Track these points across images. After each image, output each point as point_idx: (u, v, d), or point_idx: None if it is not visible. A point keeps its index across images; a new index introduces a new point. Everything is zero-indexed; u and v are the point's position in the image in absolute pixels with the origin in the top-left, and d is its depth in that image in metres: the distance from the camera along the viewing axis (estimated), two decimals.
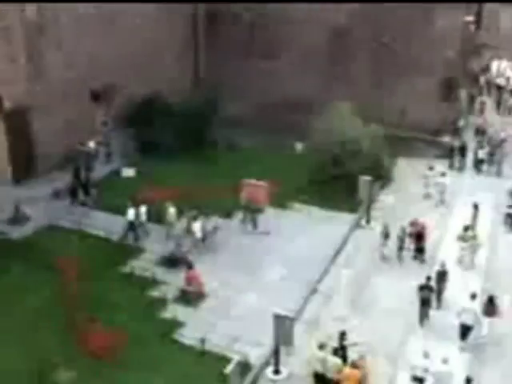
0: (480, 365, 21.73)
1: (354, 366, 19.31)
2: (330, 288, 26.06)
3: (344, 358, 20.33)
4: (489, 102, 50.87)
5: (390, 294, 25.44)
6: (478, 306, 23.31)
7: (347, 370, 19.29)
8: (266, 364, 21.38)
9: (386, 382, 20.59)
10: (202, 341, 21.76)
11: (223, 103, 38.38)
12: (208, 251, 27.84)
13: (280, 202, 31.40)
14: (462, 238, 28.08)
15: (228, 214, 31.04)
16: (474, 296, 23.10)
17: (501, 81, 54.50)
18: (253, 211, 29.92)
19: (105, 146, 36.50)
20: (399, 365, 21.41)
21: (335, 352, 20.41)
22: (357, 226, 31.16)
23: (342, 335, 20.94)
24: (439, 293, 24.87)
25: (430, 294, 24.11)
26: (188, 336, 22.44)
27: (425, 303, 23.97)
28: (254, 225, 29.99)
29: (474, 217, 30.07)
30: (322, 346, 20.07)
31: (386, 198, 34.25)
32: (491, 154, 38.73)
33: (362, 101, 36.66)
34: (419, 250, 28.14)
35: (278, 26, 40.83)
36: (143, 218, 28.86)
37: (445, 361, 20.08)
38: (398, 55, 39.35)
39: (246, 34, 41.60)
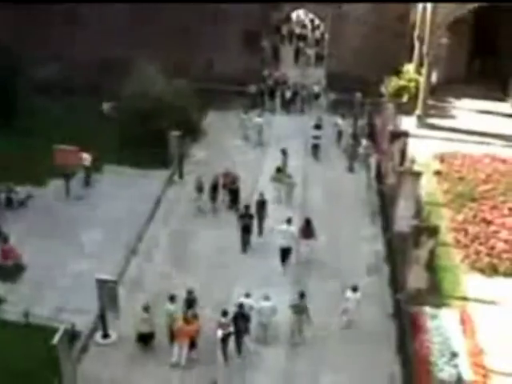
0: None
1: (187, 321, 19.79)
2: (150, 247, 26.31)
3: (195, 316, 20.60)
4: (289, 51, 52.85)
5: (210, 245, 26.15)
6: (294, 229, 25.07)
7: (180, 324, 19.79)
8: (94, 330, 21.33)
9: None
10: (26, 314, 21.17)
11: (30, 69, 36.70)
12: (22, 221, 26.99)
13: (92, 164, 30.87)
14: (275, 179, 29.76)
15: (41, 182, 30.18)
16: (289, 220, 24.92)
17: (300, 30, 56.75)
18: (65, 177, 29.31)
19: None
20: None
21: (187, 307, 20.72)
22: (170, 182, 31.49)
23: (190, 293, 21.18)
24: (260, 221, 26.55)
25: (250, 222, 25.79)
26: (10, 311, 21.72)
27: (245, 230, 25.70)
28: (67, 191, 29.41)
29: (284, 161, 31.52)
30: (146, 308, 20.44)
31: (198, 152, 34.84)
32: (294, 94, 42.36)
33: (169, 57, 36.79)
34: (233, 200, 28.98)
35: None
36: None
37: (266, 298, 21.00)
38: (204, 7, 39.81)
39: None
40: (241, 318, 20.33)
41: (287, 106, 42.31)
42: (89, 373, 19.67)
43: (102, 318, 20.85)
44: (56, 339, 17.17)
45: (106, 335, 21.08)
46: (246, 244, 25.86)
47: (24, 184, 29.11)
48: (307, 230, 25.19)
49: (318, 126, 35.83)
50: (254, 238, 26.32)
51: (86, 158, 30.08)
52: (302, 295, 21.21)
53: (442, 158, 32.97)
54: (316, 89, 43.08)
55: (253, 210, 26.53)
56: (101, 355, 20.54)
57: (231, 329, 20.29)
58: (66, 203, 28.95)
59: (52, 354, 17.28)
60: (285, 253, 24.72)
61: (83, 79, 38.01)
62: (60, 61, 39.36)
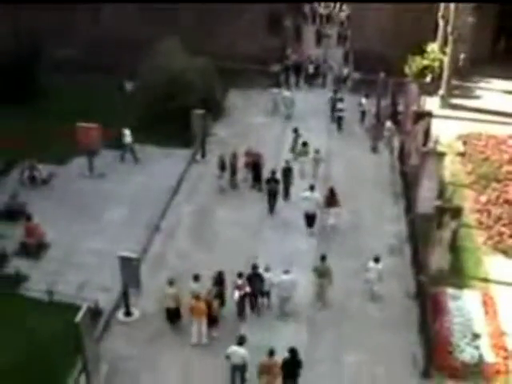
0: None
1: (197, 298, 19.84)
2: (172, 225, 26.40)
3: (220, 296, 20.78)
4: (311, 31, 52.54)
5: (232, 225, 26.17)
6: (318, 196, 25.75)
7: (192, 301, 19.87)
8: (117, 307, 21.51)
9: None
10: (49, 292, 21.39)
11: (49, 49, 36.80)
12: (45, 199, 27.18)
13: (114, 142, 30.96)
14: (300, 153, 30.13)
15: (64, 160, 30.35)
16: (312, 187, 25.70)
17: (324, 10, 56.26)
18: (88, 154, 29.43)
19: None
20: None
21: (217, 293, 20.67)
22: (193, 160, 31.51)
23: (220, 274, 21.17)
24: (286, 187, 27.69)
25: (275, 186, 26.61)
26: (34, 289, 21.89)
27: (271, 194, 26.86)
28: (91, 168, 29.55)
29: (295, 140, 31.70)
30: (171, 283, 20.54)
31: (221, 131, 34.79)
32: (316, 68, 43.38)
33: (192, 36, 36.61)
34: (256, 179, 28.96)
35: None
36: None
37: (286, 271, 21.15)
38: None
39: None
40: (255, 278, 20.93)
41: (310, 80, 43.20)
42: (111, 351, 19.86)
43: (124, 295, 21.03)
44: (79, 317, 17.30)
45: (128, 313, 21.24)
46: (272, 207, 26.98)
47: (47, 162, 29.32)
48: (331, 199, 25.93)
49: (341, 99, 36.54)
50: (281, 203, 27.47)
51: (127, 133, 30.55)
52: (323, 258, 21.95)
53: (465, 139, 32.68)
54: (345, 72, 42.56)
55: (278, 176, 27.29)
56: (123, 333, 20.72)
57: (247, 289, 20.75)
58: (89, 181, 29.10)
59: (75, 332, 17.40)
60: (309, 219, 25.52)
61: (104, 58, 37.76)
62: (80, 40, 39.31)
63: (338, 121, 35.99)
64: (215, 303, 20.21)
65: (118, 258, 20.31)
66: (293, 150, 31.02)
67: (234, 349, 18.22)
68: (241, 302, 20.88)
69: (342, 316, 21.61)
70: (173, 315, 20.83)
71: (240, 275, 20.82)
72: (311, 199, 25.41)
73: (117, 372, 19.12)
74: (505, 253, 24.46)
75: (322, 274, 21.77)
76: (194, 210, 27.51)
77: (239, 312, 21.02)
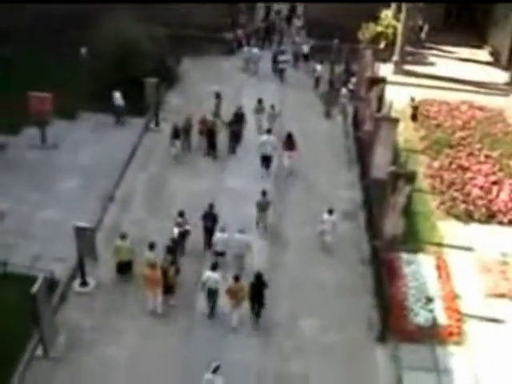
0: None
1: (153, 266, 19.70)
2: (126, 194, 26.24)
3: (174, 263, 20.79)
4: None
5: (186, 192, 26.07)
6: (274, 139, 27.29)
7: (147, 271, 19.76)
8: (73, 278, 21.36)
9: (195, 277, 21.33)
10: (3, 264, 21.04)
11: None
12: None
13: (67, 112, 30.45)
14: (257, 110, 30.66)
15: (14, 131, 29.72)
16: (269, 130, 27.81)
17: None
18: (39, 124, 28.90)
19: None
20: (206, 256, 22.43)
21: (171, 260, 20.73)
22: (147, 129, 31.22)
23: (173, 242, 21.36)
24: (238, 133, 29.26)
25: (237, 128, 28.98)
26: None
27: (233, 136, 29.03)
28: (43, 139, 29.04)
29: (217, 105, 31.82)
30: (123, 236, 21.06)
31: (174, 99, 34.49)
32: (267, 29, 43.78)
33: (143, 7, 36.26)
34: (211, 147, 28.88)
35: None
36: None
37: (241, 231, 21.55)
38: None
39: None
40: (209, 216, 22.40)
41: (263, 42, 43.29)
42: (68, 321, 19.75)
43: (80, 265, 20.84)
44: (35, 288, 17.17)
45: (84, 283, 21.10)
46: (233, 148, 29.07)
47: None
48: (289, 143, 27.41)
49: (283, 52, 38.52)
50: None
51: (117, 96, 30.82)
52: (264, 193, 23.71)
53: (418, 105, 32.94)
54: (305, 49, 41.59)
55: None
56: (80, 303, 20.60)
57: (187, 227, 22.12)
58: (42, 151, 28.52)
59: (31, 304, 17.25)
60: (266, 160, 27.21)
61: (54, 28, 36.90)
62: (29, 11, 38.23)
63: (280, 73, 37.50)
64: (171, 271, 20.21)
65: (73, 228, 20.08)
66: (215, 115, 31.00)
67: (209, 274, 19.61)
68: (180, 240, 22.02)
69: (296, 282, 21.84)
70: (125, 267, 21.28)
71: (181, 214, 22.03)
72: (268, 142, 26.94)
73: (74, 342, 19.02)
74: (457, 218, 24.91)
75: (263, 207, 23.61)
76: (148, 178, 27.32)
77: (178, 251, 21.69)
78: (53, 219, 23.92)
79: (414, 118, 32.00)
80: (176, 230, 21.93)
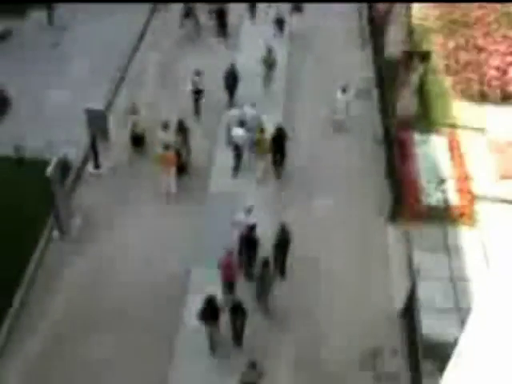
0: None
1: (167, 147, 19.69)
2: (138, 75, 25.97)
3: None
4: None
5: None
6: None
7: (162, 151, 19.87)
8: (86, 160, 21.48)
9: (205, 155, 21.66)
10: (17, 148, 21.01)
11: None
12: (4, 56, 26.07)
13: None
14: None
15: (21, 14, 28.90)
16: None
17: None
18: (48, 4, 28.23)
19: None
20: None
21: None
22: (156, 8, 30.52)
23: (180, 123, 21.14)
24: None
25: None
26: (1, 145, 21.38)
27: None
28: (50, 21, 28.41)
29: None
30: (134, 110, 21.66)
31: None
32: None
33: None
34: (222, 25, 28.35)
35: None
36: None
37: (252, 104, 21.67)
38: None
39: None
40: (230, 75, 23.42)
41: None
42: (83, 203, 20.03)
43: (92, 148, 20.85)
44: (49, 170, 17.25)
45: (97, 165, 21.21)
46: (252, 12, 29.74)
47: (2, 18, 27.77)
48: (298, 6, 28.83)
49: None
50: None
51: None
52: (269, 51, 24.42)
53: None
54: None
55: None
56: (93, 185, 20.83)
57: (201, 87, 23.11)
58: (50, 33, 27.94)
59: (45, 186, 17.42)
60: (279, 23, 28.10)
61: None
62: None
63: None
64: (184, 151, 20.27)
65: (85, 110, 19.96)
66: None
67: (236, 130, 20.63)
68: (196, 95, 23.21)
69: (310, 163, 21.91)
70: (139, 141, 21.83)
71: (197, 73, 22.95)
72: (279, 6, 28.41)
73: (89, 223, 19.35)
74: (471, 98, 24.51)
75: (269, 65, 24.42)
76: (158, 59, 26.96)
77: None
78: (65, 102, 23.66)
79: None
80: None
